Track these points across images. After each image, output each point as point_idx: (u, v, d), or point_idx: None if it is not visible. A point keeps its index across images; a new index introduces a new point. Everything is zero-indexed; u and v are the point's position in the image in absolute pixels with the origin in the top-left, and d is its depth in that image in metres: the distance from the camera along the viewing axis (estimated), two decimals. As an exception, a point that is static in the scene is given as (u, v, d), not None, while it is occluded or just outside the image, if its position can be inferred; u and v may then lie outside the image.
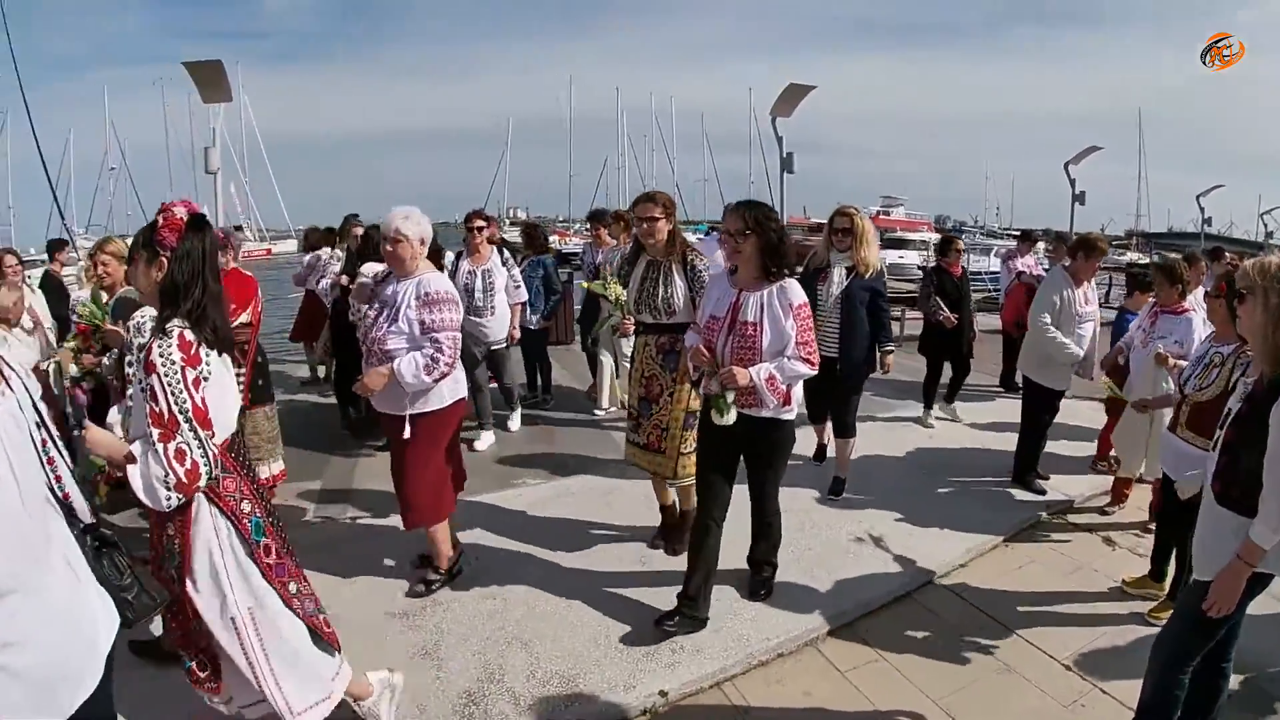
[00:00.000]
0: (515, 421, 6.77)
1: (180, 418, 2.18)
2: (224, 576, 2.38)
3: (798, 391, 3.48)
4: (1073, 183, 15.64)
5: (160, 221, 2.32)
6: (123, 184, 52.24)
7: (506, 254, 6.33)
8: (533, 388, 7.79)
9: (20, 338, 4.53)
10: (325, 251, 7.85)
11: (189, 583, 2.37)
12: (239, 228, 40.20)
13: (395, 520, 3.97)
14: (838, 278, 4.89)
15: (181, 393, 2.19)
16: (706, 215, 56.52)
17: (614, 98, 63.62)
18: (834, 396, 5.11)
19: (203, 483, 2.23)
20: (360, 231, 6.56)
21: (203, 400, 2.25)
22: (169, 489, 2.14)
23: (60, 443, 1.84)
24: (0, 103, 26.84)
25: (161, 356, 2.19)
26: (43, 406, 1.81)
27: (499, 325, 6.20)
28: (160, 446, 2.14)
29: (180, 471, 2.15)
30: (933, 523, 4.71)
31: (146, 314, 2.80)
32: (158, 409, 2.17)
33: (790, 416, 3.42)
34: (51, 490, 1.75)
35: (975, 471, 5.70)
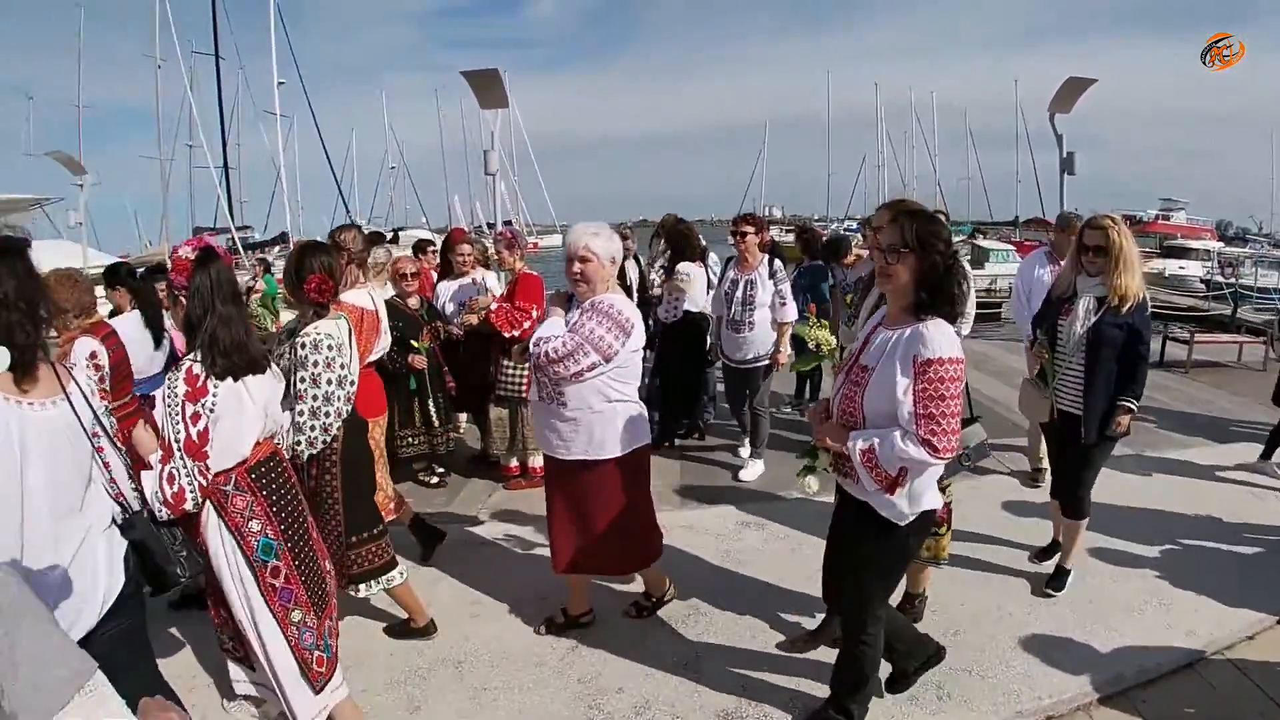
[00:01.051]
0: (753, 470, 5.95)
1: (175, 446, 2.46)
2: (229, 581, 2.67)
3: (933, 490, 2.64)
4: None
5: (169, 266, 2.56)
6: (402, 181, 57.67)
7: (778, 264, 5.72)
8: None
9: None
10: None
11: (213, 574, 2.68)
12: (508, 223, 43.08)
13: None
14: (1084, 309, 3.84)
15: (178, 424, 2.46)
16: (970, 215, 53.60)
17: (872, 94, 61.31)
18: (1068, 464, 4.07)
19: (188, 507, 2.48)
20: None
21: (199, 433, 2.47)
22: (159, 504, 2.39)
23: (115, 440, 2.11)
24: (286, 108, 29.92)
25: (168, 388, 2.48)
26: (99, 405, 2.06)
27: (755, 343, 5.69)
28: (159, 468, 2.45)
29: (168, 493, 2.43)
30: (1224, 588, 4.05)
31: None
32: (160, 435, 2.50)
33: (903, 520, 2.57)
34: (105, 488, 2.06)
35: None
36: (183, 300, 2.73)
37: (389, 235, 41.74)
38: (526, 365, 4.94)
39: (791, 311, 5.63)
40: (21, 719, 1.11)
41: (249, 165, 39.49)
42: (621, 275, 6.59)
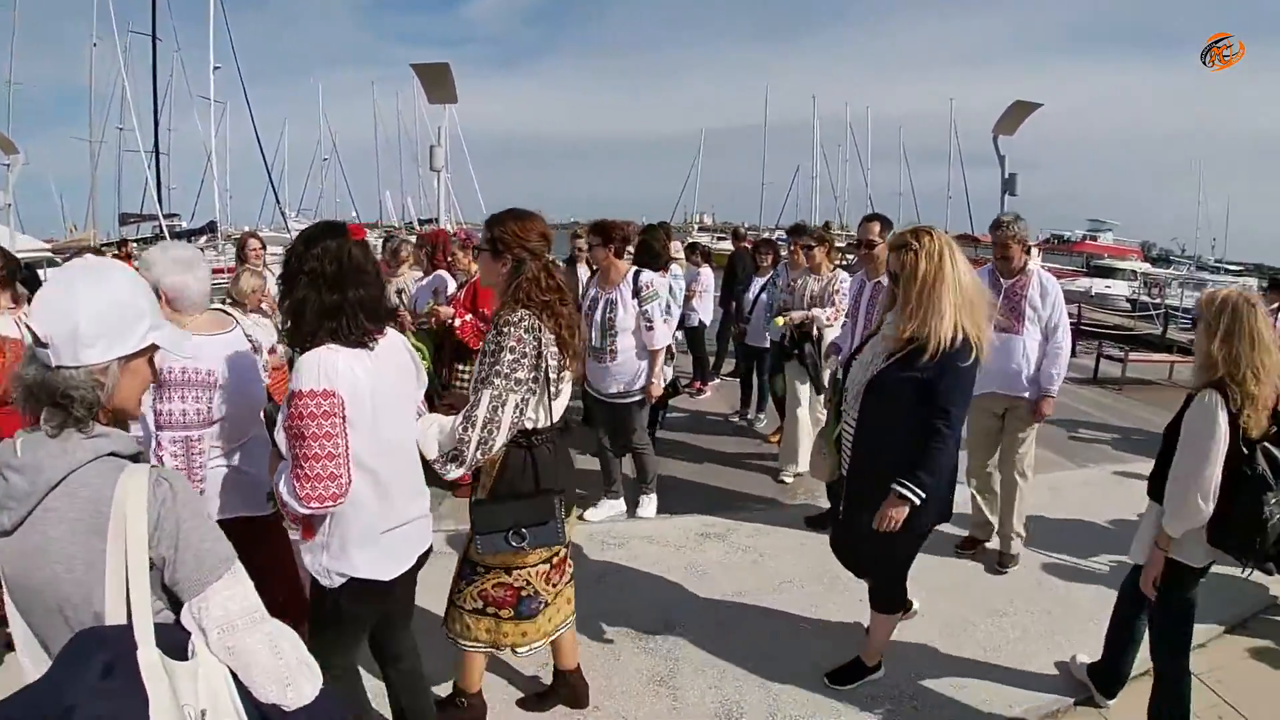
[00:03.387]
0: (647, 508, 5.21)
1: None
2: None
3: (370, 556, 2.33)
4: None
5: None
6: (334, 173, 56.45)
7: (647, 278, 4.74)
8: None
9: (258, 321, 4.77)
10: None
11: None
12: (434, 220, 42.54)
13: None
14: (874, 350, 3.05)
15: None
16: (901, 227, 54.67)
17: (809, 106, 62.14)
18: (859, 543, 3.18)
19: None
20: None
21: None
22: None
23: None
24: (221, 95, 29.01)
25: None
26: None
27: (621, 375, 4.79)
28: None
29: None
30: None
31: None
32: None
33: (325, 578, 2.27)
34: None
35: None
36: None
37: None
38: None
39: (661, 337, 4.75)
40: (182, 585, 1.39)
41: (179, 151, 38.10)
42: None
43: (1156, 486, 2.83)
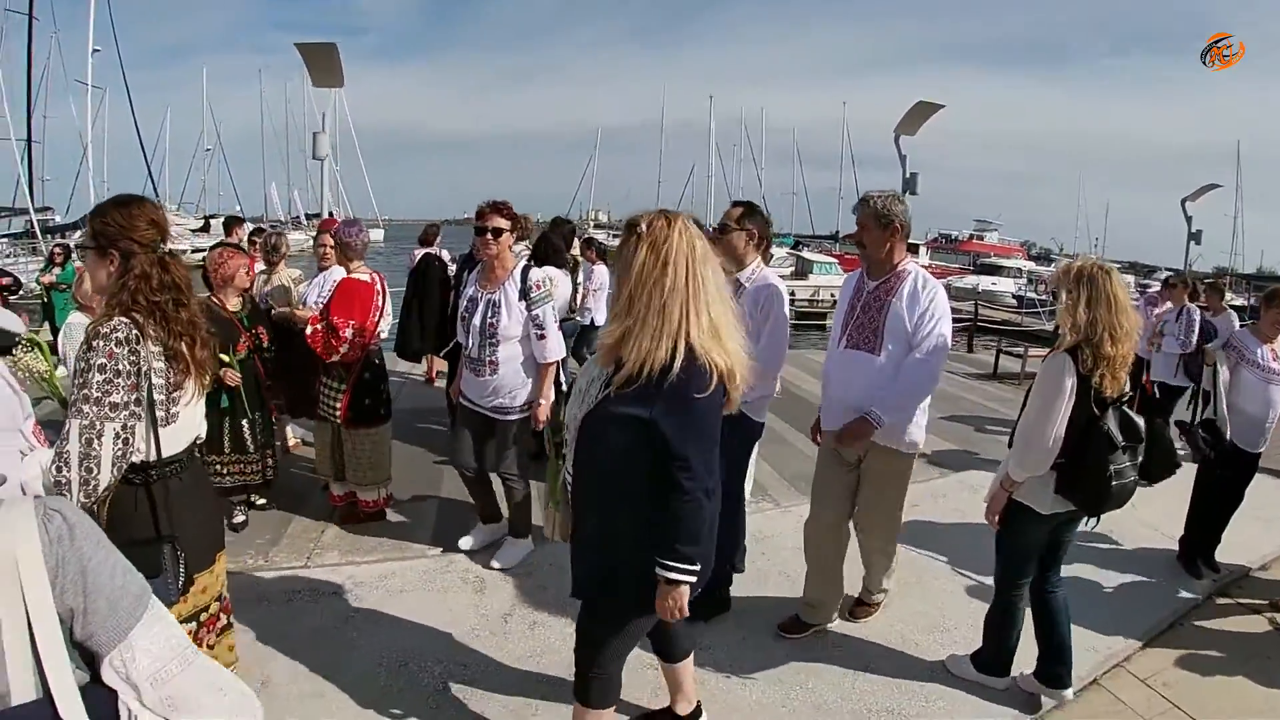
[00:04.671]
0: (508, 554, 4.23)
1: None
2: None
3: None
4: (1189, 220, 14.64)
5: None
6: (217, 165, 54.19)
7: (536, 277, 3.98)
8: None
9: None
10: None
11: None
12: (317, 215, 41.20)
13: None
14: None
15: None
16: (794, 228, 56.17)
17: (706, 108, 62.76)
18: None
19: None
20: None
21: None
22: None
23: None
24: (99, 80, 27.35)
25: None
26: None
27: (502, 389, 3.99)
28: None
29: None
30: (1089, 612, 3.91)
31: None
32: None
33: None
34: None
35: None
36: None
37: (200, 223, 38.61)
38: (344, 387, 4.39)
39: (554, 347, 4.00)
40: (98, 637, 1.12)
41: (52, 141, 35.64)
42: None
43: (1013, 436, 3.05)
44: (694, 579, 2.15)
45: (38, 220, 25.53)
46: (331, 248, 5.10)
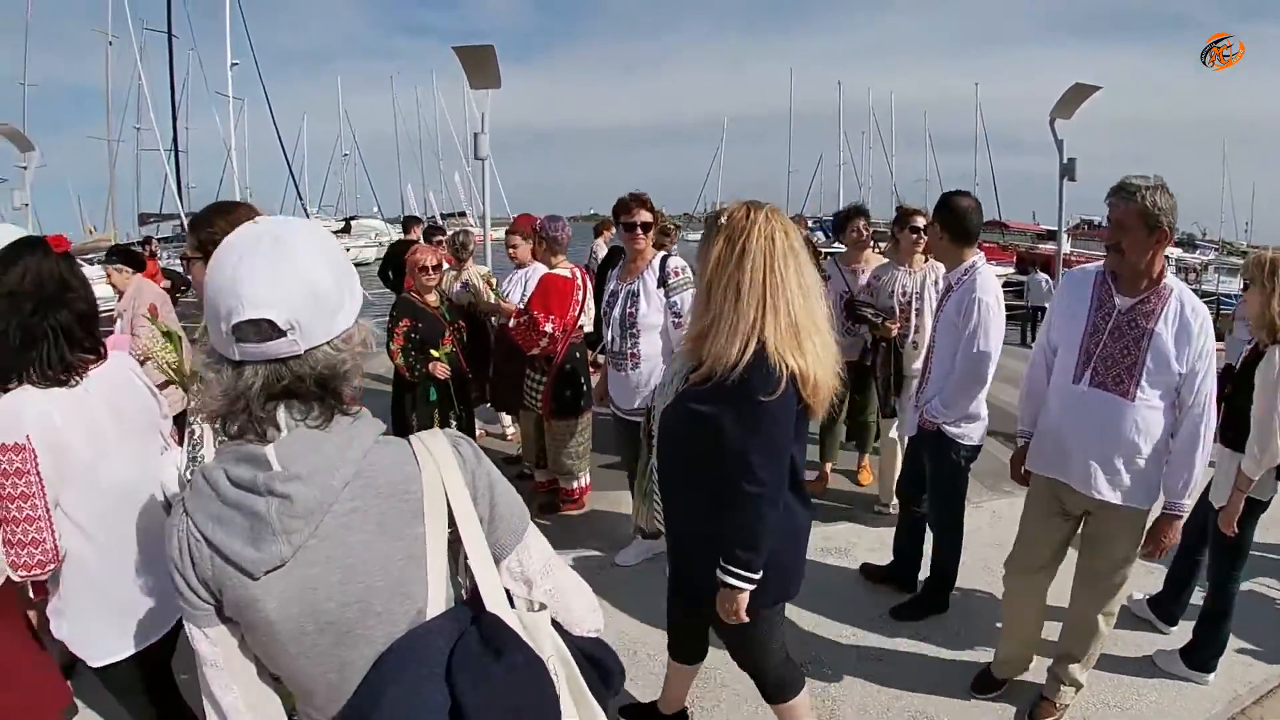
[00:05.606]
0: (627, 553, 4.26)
1: None
2: None
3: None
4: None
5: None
6: (354, 169, 56.39)
7: (675, 264, 3.90)
8: None
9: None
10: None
11: None
12: (462, 214, 42.24)
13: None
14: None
15: None
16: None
17: (832, 92, 60.04)
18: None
19: None
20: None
21: None
22: None
23: None
24: (239, 91, 28.79)
25: None
26: None
27: (645, 385, 3.90)
28: None
29: None
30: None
31: None
32: None
33: None
34: None
35: None
36: None
37: (340, 224, 40.05)
38: (545, 379, 4.49)
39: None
40: (502, 540, 1.25)
41: (196, 150, 37.96)
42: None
43: (1229, 435, 3.11)
44: (751, 586, 2.09)
45: (187, 224, 27.09)
46: (516, 247, 5.27)
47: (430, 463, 1.18)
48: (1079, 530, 2.92)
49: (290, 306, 1.05)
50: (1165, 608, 3.64)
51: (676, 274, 3.80)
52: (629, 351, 3.88)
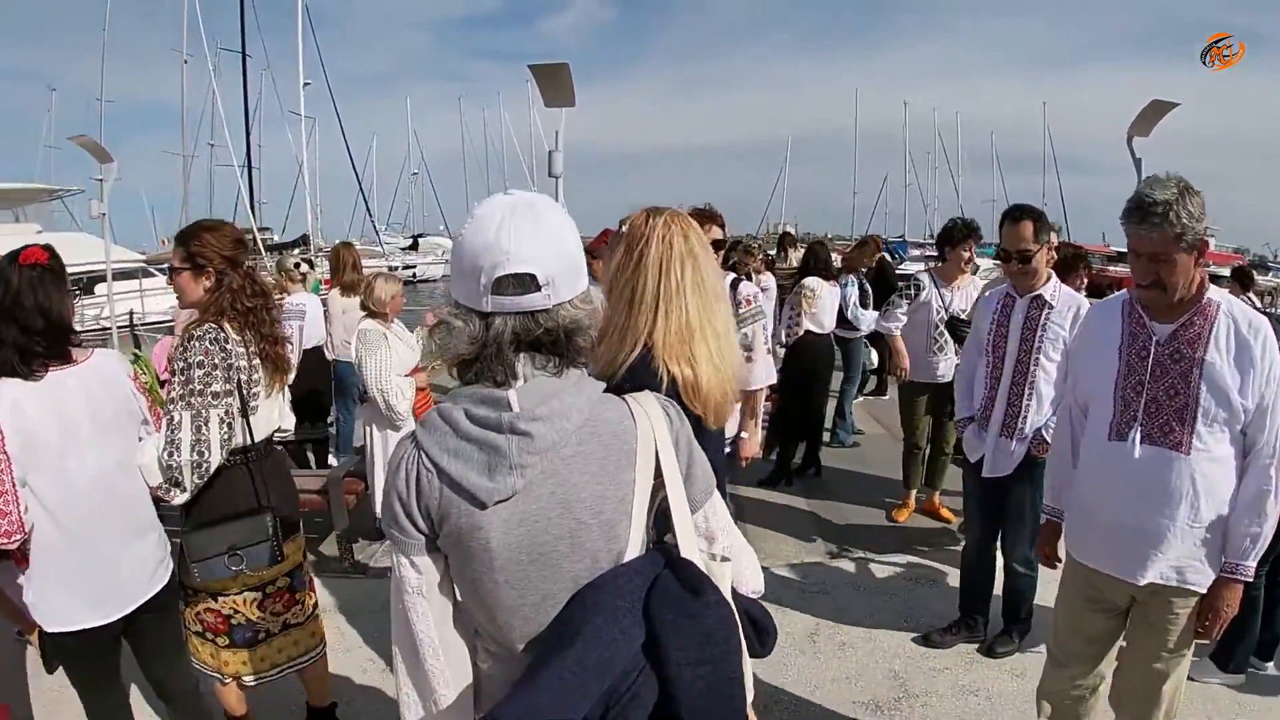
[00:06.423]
0: None
1: None
2: None
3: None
4: None
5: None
6: (423, 187, 57.58)
7: (747, 291, 3.55)
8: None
9: (401, 335, 4.48)
10: None
11: None
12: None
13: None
14: None
15: None
16: (991, 237, 53.45)
17: (897, 112, 60.15)
18: None
19: None
20: None
21: None
22: None
23: None
24: (310, 110, 29.63)
25: None
26: None
27: None
28: None
29: None
30: None
31: None
32: None
33: None
34: None
35: None
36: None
37: (408, 241, 40.67)
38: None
39: (762, 372, 3.57)
40: (696, 495, 1.35)
41: (268, 167, 39.05)
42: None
43: None
44: None
45: (260, 239, 27.86)
46: (594, 263, 5.23)
47: (645, 419, 1.28)
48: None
49: (547, 264, 1.18)
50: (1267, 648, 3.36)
51: (749, 303, 3.45)
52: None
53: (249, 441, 2.49)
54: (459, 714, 1.31)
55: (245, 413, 2.46)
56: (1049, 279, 3.31)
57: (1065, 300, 3.28)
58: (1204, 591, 2.18)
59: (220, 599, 2.56)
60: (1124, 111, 10.31)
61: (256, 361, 2.51)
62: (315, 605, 2.86)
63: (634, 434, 1.27)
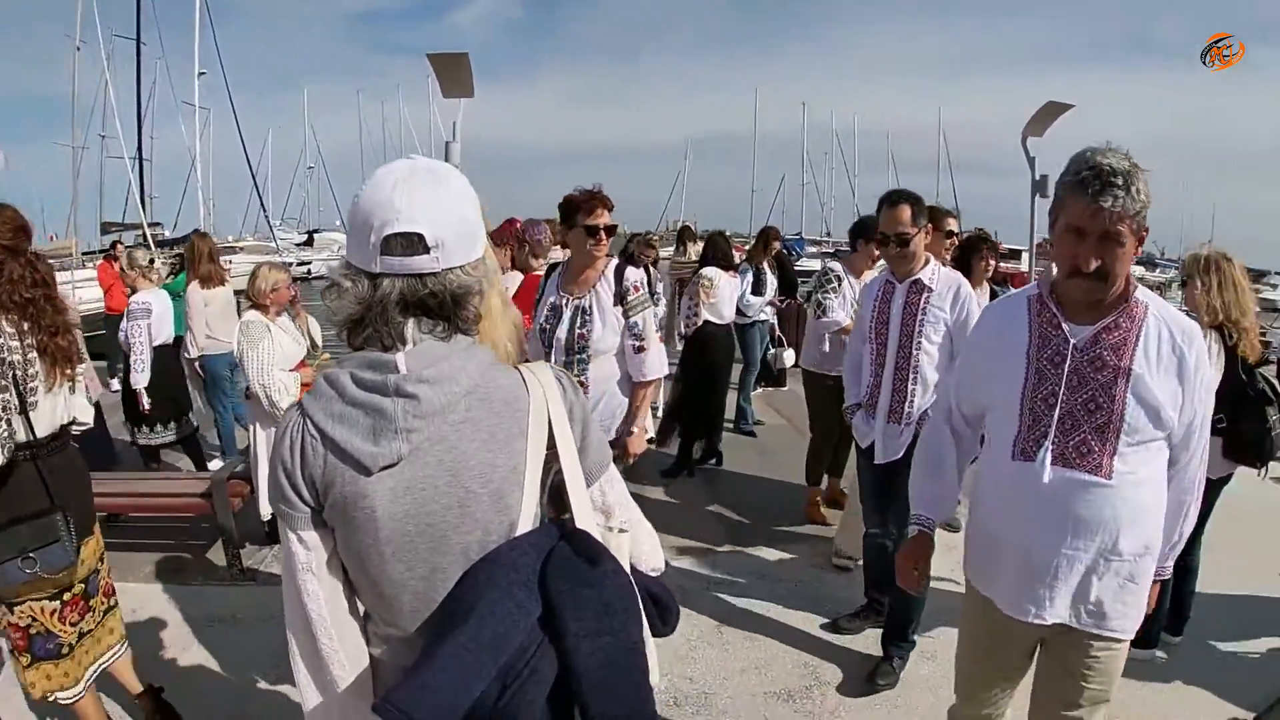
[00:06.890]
0: None
1: None
2: None
3: None
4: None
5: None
6: (319, 181, 56.08)
7: (634, 277, 3.29)
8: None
9: (285, 327, 4.24)
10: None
11: None
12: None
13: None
14: None
15: None
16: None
17: (797, 114, 60.70)
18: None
19: None
20: None
21: None
22: None
23: None
24: (205, 101, 28.51)
25: None
26: None
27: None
28: None
29: None
30: None
31: None
32: None
33: None
34: None
35: None
36: None
37: (303, 237, 39.58)
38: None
39: (655, 362, 3.30)
40: (591, 469, 1.35)
41: (160, 160, 37.26)
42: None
43: None
44: None
45: (150, 234, 26.58)
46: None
47: (538, 387, 1.27)
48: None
49: (438, 227, 1.15)
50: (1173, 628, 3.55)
51: (636, 289, 3.25)
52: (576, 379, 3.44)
53: (31, 438, 2.37)
54: (357, 695, 1.26)
55: (25, 409, 2.34)
56: (927, 262, 3.25)
57: (944, 282, 3.23)
58: (1128, 639, 1.94)
59: (16, 609, 2.44)
60: (1018, 116, 10.68)
61: (33, 355, 2.38)
62: (114, 605, 2.78)
63: (526, 402, 1.25)
